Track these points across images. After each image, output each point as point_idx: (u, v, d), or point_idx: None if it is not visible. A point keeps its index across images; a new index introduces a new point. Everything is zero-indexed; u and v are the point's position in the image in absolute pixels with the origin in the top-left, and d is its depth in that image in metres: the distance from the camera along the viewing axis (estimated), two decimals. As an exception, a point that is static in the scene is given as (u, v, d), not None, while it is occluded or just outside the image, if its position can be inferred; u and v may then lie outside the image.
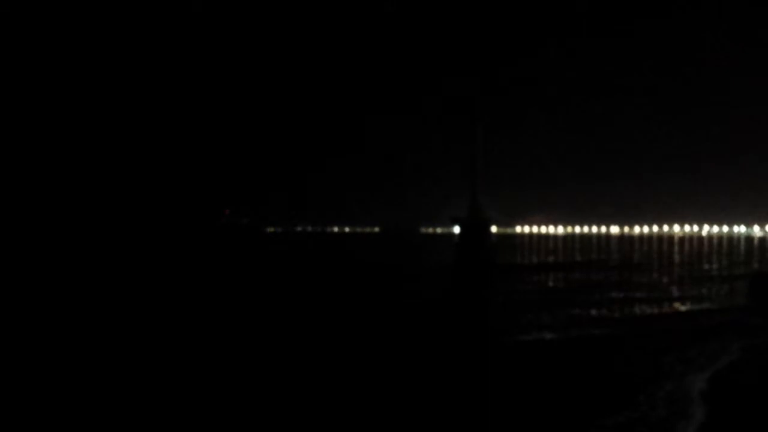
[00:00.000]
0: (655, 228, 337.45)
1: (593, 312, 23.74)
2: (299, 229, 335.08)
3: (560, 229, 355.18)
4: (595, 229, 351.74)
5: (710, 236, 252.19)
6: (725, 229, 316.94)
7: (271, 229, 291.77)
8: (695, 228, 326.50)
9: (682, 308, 25.59)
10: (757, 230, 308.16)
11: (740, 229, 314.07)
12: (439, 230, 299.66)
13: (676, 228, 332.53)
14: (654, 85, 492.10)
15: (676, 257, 70.18)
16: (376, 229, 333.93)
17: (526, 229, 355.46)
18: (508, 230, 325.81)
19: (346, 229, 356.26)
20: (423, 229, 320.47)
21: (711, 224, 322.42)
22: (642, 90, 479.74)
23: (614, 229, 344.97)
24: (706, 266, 53.43)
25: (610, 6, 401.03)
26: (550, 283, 33.59)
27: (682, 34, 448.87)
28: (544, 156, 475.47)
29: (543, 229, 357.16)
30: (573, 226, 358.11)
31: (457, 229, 55.96)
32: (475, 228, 53.37)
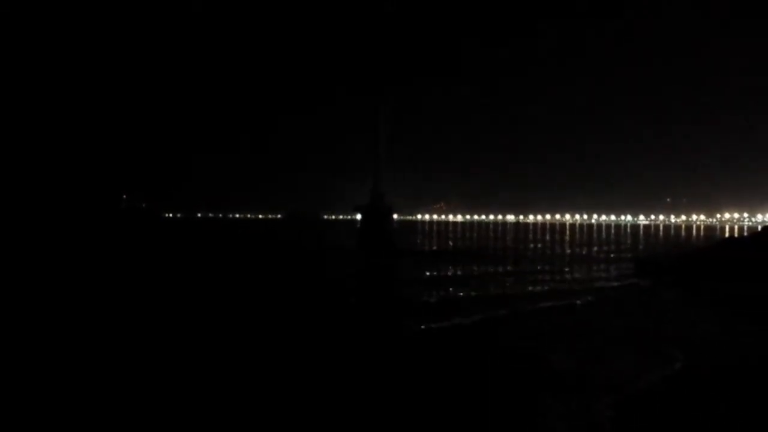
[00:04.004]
0: (548, 216, 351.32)
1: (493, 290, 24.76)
2: (199, 215, 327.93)
3: (459, 218, 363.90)
4: (492, 217, 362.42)
5: (599, 224, 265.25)
6: (613, 217, 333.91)
7: (168, 215, 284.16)
8: (585, 217, 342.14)
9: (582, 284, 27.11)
10: (642, 219, 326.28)
11: (627, 217, 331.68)
12: (341, 217, 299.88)
13: (567, 216, 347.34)
14: (551, 78, 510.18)
15: (571, 245, 73.48)
16: (279, 216, 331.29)
17: (427, 216, 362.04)
18: (410, 218, 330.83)
19: (249, 216, 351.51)
20: (326, 216, 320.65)
21: (600, 213, 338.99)
22: (541, 83, 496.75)
23: (510, 218, 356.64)
24: (602, 250, 56.83)
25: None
26: (449, 272, 34.47)
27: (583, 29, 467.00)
28: (446, 146, 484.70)
29: (443, 217, 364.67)
30: (471, 215, 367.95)
31: (359, 216, 56.56)
32: (376, 215, 53.92)
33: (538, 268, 35.87)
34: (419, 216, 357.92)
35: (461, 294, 23.21)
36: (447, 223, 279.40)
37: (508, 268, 34.06)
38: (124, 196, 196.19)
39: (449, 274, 31.92)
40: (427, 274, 31.51)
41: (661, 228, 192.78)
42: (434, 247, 61.55)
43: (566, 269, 35.26)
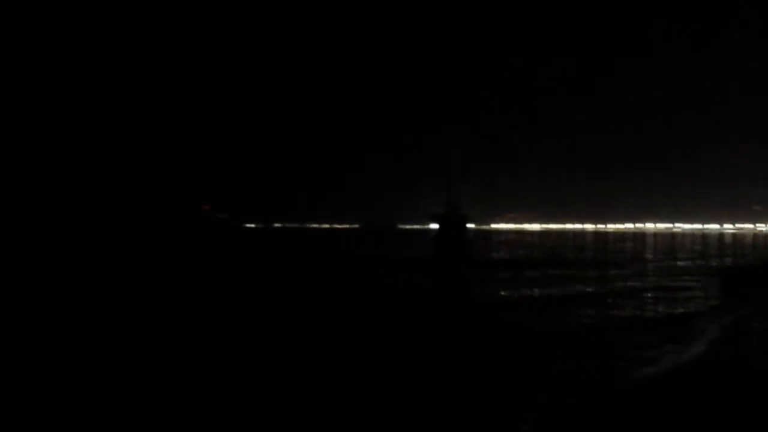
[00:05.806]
0: (629, 225, 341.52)
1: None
2: (278, 225, 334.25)
3: (536, 226, 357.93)
4: (570, 225, 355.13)
5: (683, 233, 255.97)
6: (697, 226, 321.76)
7: (249, 225, 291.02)
8: (668, 225, 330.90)
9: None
10: (728, 227, 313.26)
11: (712, 226, 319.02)
12: (416, 226, 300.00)
13: (649, 225, 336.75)
14: (630, 85, 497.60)
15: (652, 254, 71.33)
16: (356, 226, 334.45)
17: (503, 225, 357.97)
18: (484, 227, 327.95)
19: (326, 225, 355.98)
20: (401, 226, 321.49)
21: (683, 222, 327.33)
22: (618, 89, 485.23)
23: (589, 226, 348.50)
24: (688, 261, 55.20)
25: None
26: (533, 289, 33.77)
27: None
28: (521, 153, 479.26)
29: (519, 226, 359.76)
30: (548, 223, 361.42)
31: (434, 226, 56.64)
32: (451, 224, 53.96)
33: (621, 284, 34.82)
34: (494, 225, 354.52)
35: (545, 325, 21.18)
36: (523, 231, 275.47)
37: (590, 289, 32.68)
38: (206, 208, 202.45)
39: (526, 294, 31.05)
40: (503, 293, 30.67)
41: (750, 237, 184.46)
42: (510, 257, 60.84)
43: (649, 292, 33.08)
